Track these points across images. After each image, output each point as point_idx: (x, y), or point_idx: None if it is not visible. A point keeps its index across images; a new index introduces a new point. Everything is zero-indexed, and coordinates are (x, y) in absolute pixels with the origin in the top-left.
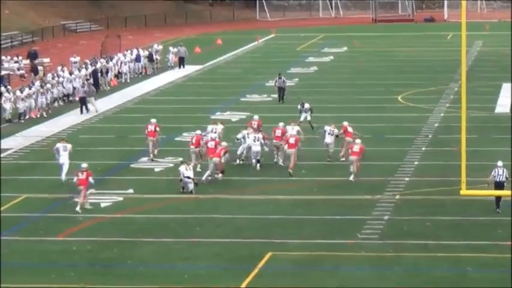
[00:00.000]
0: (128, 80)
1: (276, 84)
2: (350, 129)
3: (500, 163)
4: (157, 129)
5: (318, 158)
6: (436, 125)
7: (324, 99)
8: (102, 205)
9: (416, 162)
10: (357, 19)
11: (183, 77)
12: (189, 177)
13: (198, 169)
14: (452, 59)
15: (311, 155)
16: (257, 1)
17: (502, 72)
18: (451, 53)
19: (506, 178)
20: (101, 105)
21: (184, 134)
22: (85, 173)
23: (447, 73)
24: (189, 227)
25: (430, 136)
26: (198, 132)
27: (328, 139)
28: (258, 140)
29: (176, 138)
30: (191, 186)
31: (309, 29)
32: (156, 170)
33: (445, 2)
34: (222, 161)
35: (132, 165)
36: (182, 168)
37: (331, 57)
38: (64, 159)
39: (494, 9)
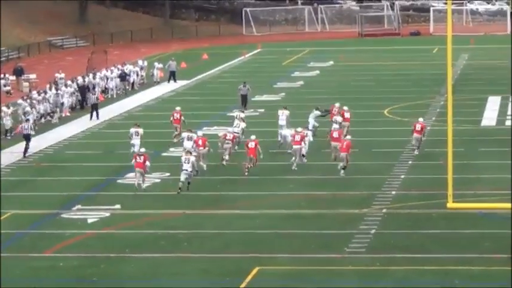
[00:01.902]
0: (115, 96)
1: (240, 92)
2: (347, 115)
3: None
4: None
5: (306, 172)
6: (423, 138)
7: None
8: (89, 221)
9: (403, 176)
10: (343, 33)
11: (170, 92)
12: (186, 170)
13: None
14: (438, 72)
15: (299, 170)
16: (243, 16)
17: (488, 86)
18: (437, 67)
19: None
20: (87, 121)
21: (172, 149)
22: (142, 157)
23: (433, 87)
24: (177, 243)
25: (416, 150)
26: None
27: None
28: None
29: (163, 154)
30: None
31: (295, 43)
32: (143, 185)
33: (431, 15)
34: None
35: (119, 181)
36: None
37: (317, 72)
38: (136, 141)
39: (479, 22)
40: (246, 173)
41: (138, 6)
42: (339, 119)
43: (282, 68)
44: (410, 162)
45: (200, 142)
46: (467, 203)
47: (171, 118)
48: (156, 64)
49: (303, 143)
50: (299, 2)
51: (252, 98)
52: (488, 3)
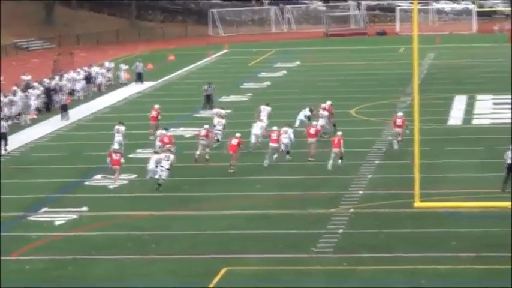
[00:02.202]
0: (81, 98)
1: (205, 92)
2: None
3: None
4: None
5: (273, 172)
6: (390, 138)
7: (278, 114)
8: (57, 223)
9: (370, 176)
10: (309, 33)
11: (136, 94)
12: (162, 166)
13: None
14: (405, 72)
15: (266, 170)
16: (209, 17)
17: (454, 85)
18: (404, 66)
19: None
20: (54, 123)
21: (139, 150)
22: (118, 154)
23: (400, 86)
24: (145, 244)
25: (383, 149)
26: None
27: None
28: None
29: (130, 155)
30: (162, 174)
31: (262, 44)
32: (111, 187)
33: (397, 15)
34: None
35: (86, 183)
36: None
37: (284, 72)
38: (117, 139)
39: (445, 21)
40: (231, 171)
41: (104, 8)
42: (325, 113)
43: (249, 68)
44: (377, 161)
45: (166, 140)
46: (434, 202)
47: (150, 115)
48: (122, 66)
49: (285, 139)
50: (265, 3)
51: (219, 98)
52: (454, 2)
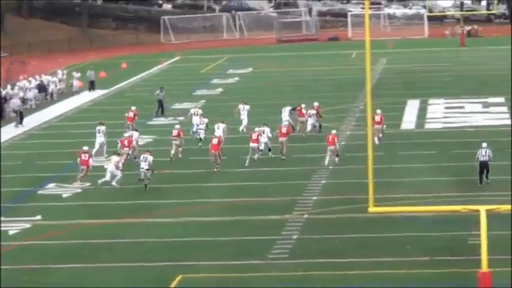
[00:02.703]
0: (34, 106)
1: (158, 97)
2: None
3: (484, 144)
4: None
5: (225, 179)
6: (343, 143)
7: (230, 121)
8: (10, 232)
9: (323, 181)
10: (261, 40)
11: (89, 102)
12: (142, 168)
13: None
14: (357, 77)
15: (219, 177)
16: (161, 24)
17: (407, 89)
18: (356, 71)
19: (489, 157)
20: (7, 132)
21: (91, 160)
22: (87, 155)
23: (352, 91)
24: (99, 252)
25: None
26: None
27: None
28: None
29: None
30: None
31: (214, 50)
32: (64, 195)
33: (349, 20)
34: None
35: (39, 192)
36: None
37: (237, 79)
38: (98, 139)
39: (397, 26)
40: (216, 169)
41: (55, 16)
42: (313, 112)
43: (201, 75)
44: (331, 167)
45: (126, 142)
46: (388, 207)
47: (126, 115)
48: (74, 74)
49: (263, 139)
50: (217, 9)
51: (172, 106)
52: (405, 7)
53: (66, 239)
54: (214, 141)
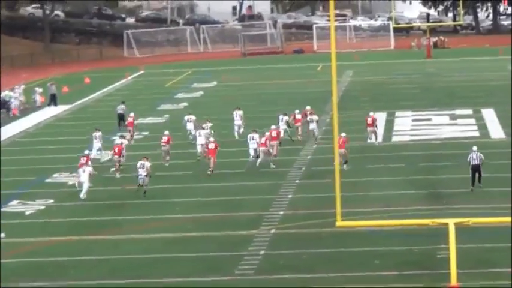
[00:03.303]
0: None
1: (118, 111)
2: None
3: (475, 148)
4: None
5: (191, 194)
6: (309, 157)
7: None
8: None
9: (290, 196)
10: (225, 53)
11: (51, 118)
12: (141, 174)
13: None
14: (323, 90)
15: (185, 192)
16: (124, 38)
17: (373, 102)
18: (322, 84)
19: (481, 161)
20: None
21: (55, 175)
22: (85, 158)
23: (318, 104)
24: (63, 270)
25: (303, 168)
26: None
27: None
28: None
29: (47, 180)
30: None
31: (178, 64)
32: (27, 213)
33: (314, 33)
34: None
35: (2, 209)
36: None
37: (201, 93)
38: (95, 145)
39: (363, 38)
40: (209, 173)
41: (17, 31)
42: (315, 117)
43: (166, 89)
44: (297, 181)
45: (117, 150)
46: (356, 221)
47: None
48: (37, 89)
49: (252, 145)
50: (181, 23)
51: (136, 121)
52: (371, 19)
53: (31, 257)
54: (211, 146)
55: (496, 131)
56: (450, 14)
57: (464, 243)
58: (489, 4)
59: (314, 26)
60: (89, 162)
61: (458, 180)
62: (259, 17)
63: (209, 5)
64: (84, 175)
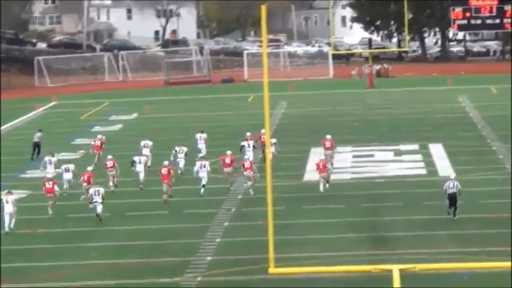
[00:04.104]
0: None
1: (35, 139)
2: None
3: (452, 176)
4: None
5: (109, 238)
6: (240, 197)
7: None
8: None
9: (218, 239)
10: (147, 82)
11: None
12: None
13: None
14: (255, 123)
15: (102, 236)
16: (35, 65)
17: (310, 136)
18: (253, 117)
19: (458, 190)
20: None
21: None
22: (51, 182)
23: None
24: None
25: (233, 209)
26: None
27: None
28: None
29: None
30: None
31: (95, 94)
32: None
33: (245, 60)
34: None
35: None
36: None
37: (120, 126)
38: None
39: (299, 66)
40: (165, 199)
41: None
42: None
43: (80, 122)
44: (226, 223)
45: (86, 177)
46: (291, 268)
47: (93, 143)
48: None
49: (202, 173)
50: (97, 49)
51: (47, 157)
52: (308, 44)
53: None
54: (164, 171)
55: (445, 169)
56: (394, 40)
57: None
58: (437, 29)
59: (245, 52)
60: (56, 186)
61: (403, 222)
62: (184, 42)
63: (129, 29)
64: (9, 206)
